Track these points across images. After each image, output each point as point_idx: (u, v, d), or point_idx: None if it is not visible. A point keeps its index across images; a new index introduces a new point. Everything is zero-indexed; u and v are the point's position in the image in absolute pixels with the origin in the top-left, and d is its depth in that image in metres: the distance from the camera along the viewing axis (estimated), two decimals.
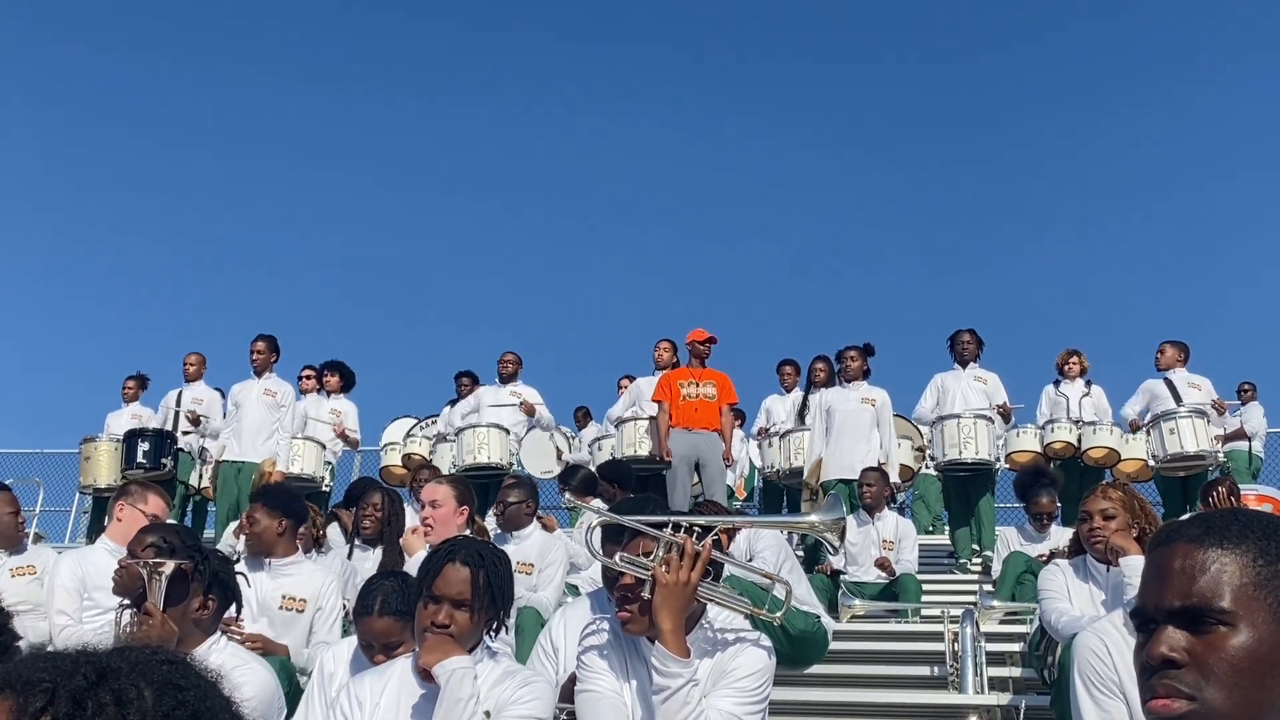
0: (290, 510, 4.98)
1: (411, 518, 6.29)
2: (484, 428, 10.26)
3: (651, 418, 9.61)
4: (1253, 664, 1.21)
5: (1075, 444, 9.67)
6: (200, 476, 10.48)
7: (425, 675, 2.84)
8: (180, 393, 10.77)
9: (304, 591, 4.76)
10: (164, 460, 10.07)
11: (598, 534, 3.09)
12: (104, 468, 10.42)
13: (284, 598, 4.75)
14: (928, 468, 10.39)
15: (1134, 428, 9.96)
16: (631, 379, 10.91)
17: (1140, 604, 1.31)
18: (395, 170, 31.63)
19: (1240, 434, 10.63)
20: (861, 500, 7.80)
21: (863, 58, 32.34)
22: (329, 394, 10.82)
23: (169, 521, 7.03)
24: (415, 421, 12.05)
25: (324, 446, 10.27)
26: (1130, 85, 29.93)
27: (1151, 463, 9.49)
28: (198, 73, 30.10)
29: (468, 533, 5.19)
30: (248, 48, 31.00)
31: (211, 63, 30.45)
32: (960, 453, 9.11)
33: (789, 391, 11.06)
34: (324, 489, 10.25)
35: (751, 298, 29.21)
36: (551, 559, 5.94)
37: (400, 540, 5.83)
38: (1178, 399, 9.63)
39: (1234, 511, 1.36)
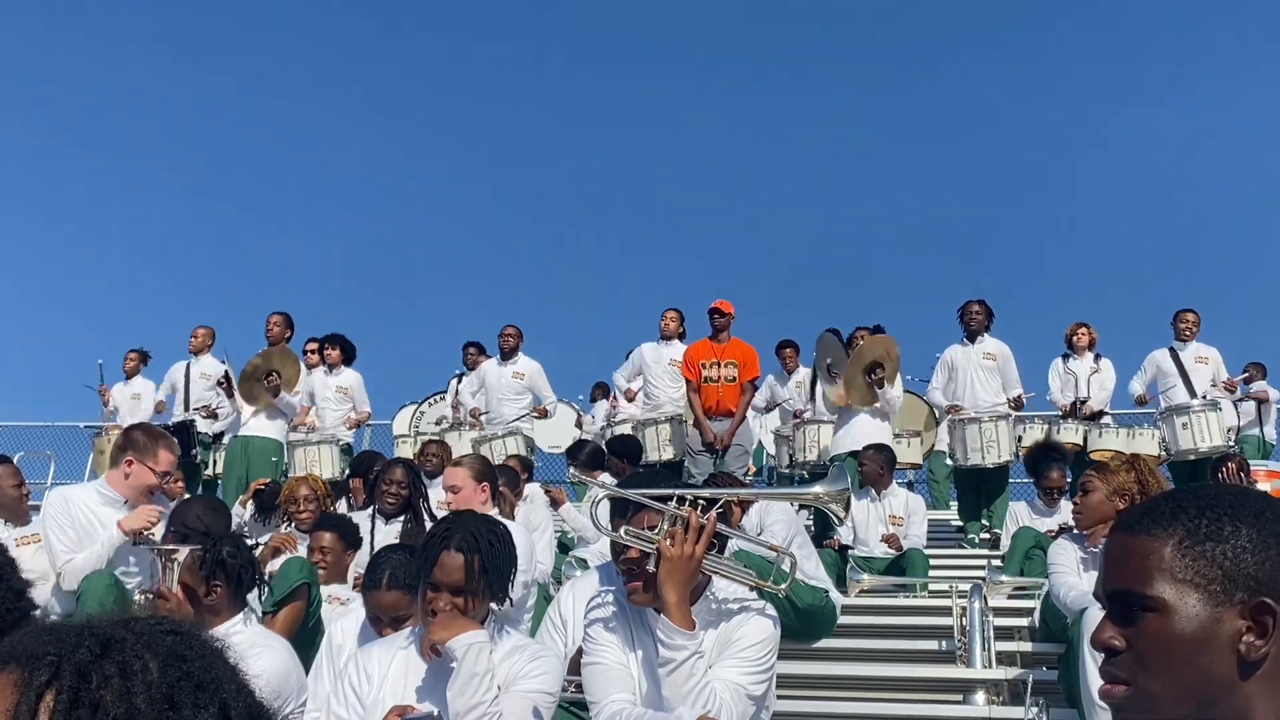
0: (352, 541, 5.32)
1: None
2: (503, 435, 9.91)
3: (672, 419, 9.61)
4: (1179, 646, 1.24)
5: (1081, 444, 9.56)
6: (214, 463, 10.47)
7: (434, 652, 2.84)
8: (188, 365, 10.75)
9: None
10: (193, 452, 10.04)
11: (605, 508, 3.08)
12: None
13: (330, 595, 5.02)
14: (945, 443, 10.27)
15: (1140, 402, 9.88)
16: None
17: (1095, 589, 1.38)
18: (398, 151, 31.56)
19: (1258, 405, 10.52)
20: (860, 476, 7.77)
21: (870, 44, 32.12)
22: (331, 367, 10.80)
23: (203, 497, 7.08)
24: (416, 406, 12.03)
25: (338, 441, 10.07)
26: (1137, 61, 29.69)
27: (1164, 454, 9.38)
28: (201, 54, 30.01)
29: (494, 510, 5.21)
30: (250, 27, 30.89)
31: (216, 40, 30.36)
32: (983, 458, 8.99)
33: (790, 374, 11.04)
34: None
35: (755, 275, 29.15)
36: (535, 523, 6.09)
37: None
38: (1184, 374, 9.56)
39: (1173, 493, 1.38)
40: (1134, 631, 1.27)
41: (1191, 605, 1.24)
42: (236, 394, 9.55)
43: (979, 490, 9.34)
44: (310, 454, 9.62)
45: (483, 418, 10.27)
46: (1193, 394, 9.48)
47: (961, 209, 29.88)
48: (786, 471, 10.26)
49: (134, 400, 11.04)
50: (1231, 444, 9.49)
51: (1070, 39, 29.89)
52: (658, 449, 9.48)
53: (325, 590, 4.98)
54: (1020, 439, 9.59)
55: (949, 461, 9.72)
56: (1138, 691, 1.26)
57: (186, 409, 10.44)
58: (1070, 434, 9.59)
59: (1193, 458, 9.31)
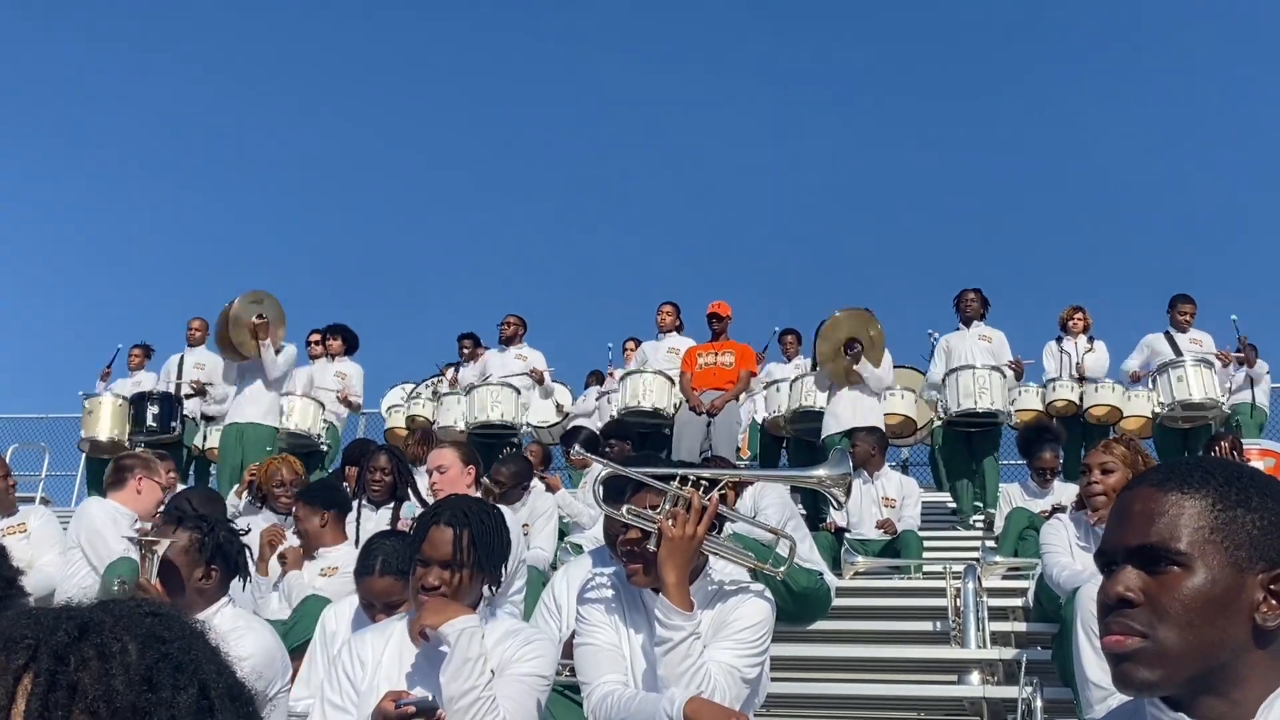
0: (331, 501, 5.13)
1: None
2: (496, 385, 10.20)
3: (657, 371, 9.67)
4: (1204, 604, 1.25)
5: (1077, 402, 9.62)
6: (204, 437, 10.47)
7: (422, 636, 2.83)
8: (182, 357, 10.72)
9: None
10: (173, 424, 10.03)
11: (603, 488, 3.07)
12: (104, 421, 10.31)
13: (325, 567, 4.97)
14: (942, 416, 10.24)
15: (1134, 378, 9.92)
16: (637, 343, 10.91)
17: (1103, 545, 1.36)
18: (394, 146, 31.48)
19: (1248, 382, 10.52)
20: (852, 457, 7.75)
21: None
22: (333, 357, 10.79)
23: (198, 488, 7.07)
24: (413, 386, 12.01)
25: (323, 406, 10.22)
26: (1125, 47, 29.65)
27: (1156, 409, 9.41)
28: (201, 50, 29.87)
29: (475, 493, 5.21)
30: (249, 23, 30.74)
31: (216, 36, 30.20)
32: (975, 403, 8.98)
33: (790, 360, 11.05)
34: (321, 447, 10.21)
35: (751, 269, 29.12)
36: (540, 511, 6.16)
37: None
38: (1178, 354, 9.59)
39: (1199, 459, 1.41)
40: (1156, 585, 1.27)
41: (1218, 567, 1.26)
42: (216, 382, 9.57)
43: (968, 450, 9.30)
44: (289, 403, 9.66)
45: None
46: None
47: (958, 198, 29.86)
48: (780, 426, 10.22)
49: (135, 389, 10.99)
50: (1224, 401, 9.52)
51: (1067, 32, 29.84)
52: (638, 397, 9.52)
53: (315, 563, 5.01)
54: (1014, 402, 9.59)
55: (943, 414, 9.66)
56: (1153, 644, 1.26)
57: (178, 393, 10.43)
58: (1065, 391, 9.63)
59: (1185, 424, 9.34)
